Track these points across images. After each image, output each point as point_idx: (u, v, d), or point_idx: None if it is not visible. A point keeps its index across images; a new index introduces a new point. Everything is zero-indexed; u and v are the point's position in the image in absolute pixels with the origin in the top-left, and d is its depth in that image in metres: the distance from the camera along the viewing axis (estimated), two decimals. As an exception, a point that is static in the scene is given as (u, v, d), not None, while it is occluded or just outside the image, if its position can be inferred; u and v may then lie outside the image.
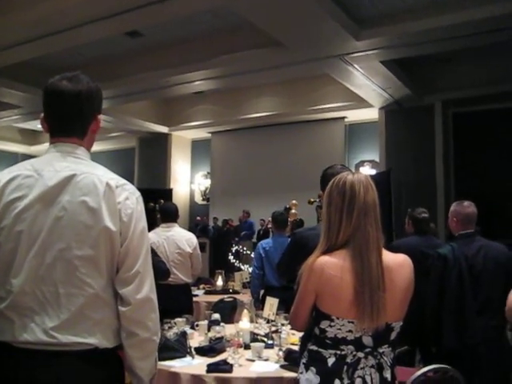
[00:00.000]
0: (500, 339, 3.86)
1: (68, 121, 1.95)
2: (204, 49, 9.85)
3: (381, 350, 2.07)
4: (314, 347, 2.14)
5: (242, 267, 11.36)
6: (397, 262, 2.12)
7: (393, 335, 2.09)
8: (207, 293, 7.09)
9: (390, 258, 2.11)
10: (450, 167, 11.40)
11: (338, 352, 2.07)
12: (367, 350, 2.06)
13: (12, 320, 1.77)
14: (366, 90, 11.06)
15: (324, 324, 2.08)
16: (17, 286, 1.78)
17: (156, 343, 1.94)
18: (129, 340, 1.86)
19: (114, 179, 1.92)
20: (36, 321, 1.76)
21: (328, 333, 2.08)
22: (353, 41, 8.39)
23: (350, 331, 2.05)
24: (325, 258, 2.07)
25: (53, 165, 1.88)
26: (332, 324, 2.07)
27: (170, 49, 10.31)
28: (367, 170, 13.24)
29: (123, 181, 1.96)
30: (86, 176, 1.87)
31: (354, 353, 2.06)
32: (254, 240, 13.52)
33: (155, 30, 9.48)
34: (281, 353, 3.29)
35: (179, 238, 5.18)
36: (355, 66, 9.58)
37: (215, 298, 6.05)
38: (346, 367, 2.05)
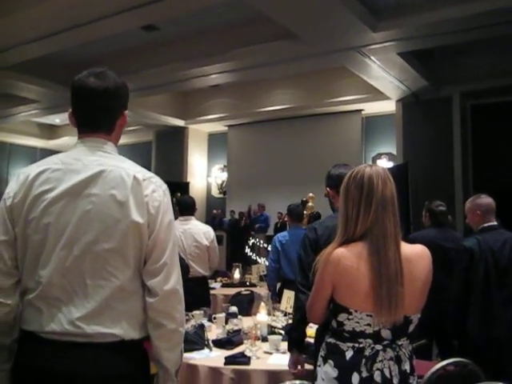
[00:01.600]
0: None
1: (96, 117, 1.98)
2: (220, 42, 9.84)
3: (399, 343, 2.07)
4: (331, 340, 2.15)
5: (259, 260, 11.36)
6: (415, 253, 2.11)
7: (411, 328, 2.09)
8: (224, 286, 7.12)
9: (408, 249, 2.11)
10: (468, 160, 11.29)
11: (356, 345, 2.07)
12: (385, 342, 2.06)
13: (40, 310, 1.81)
14: (382, 83, 10.99)
15: (342, 317, 2.08)
16: (45, 277, 1.81)
17: (182, 334, 1.98)
18: (156, 331, 1.90)
19: (141, 172, 1.95)
20: (63, 311, 1.80)
21: (346, 326, 2.08)
22: (370, 32, 8.34)
23: (369, 325, 2.04)
24: (341, 249, 2.07)
25: (81, 159, 1.91)
26: (350, 317, 2.06)
27: (185, 42, 10.31)
28: (384, 163, 13.18)
29: (150, 174, 1.99)
30: (114, 170, 1.90)
31: (373, 346, 2.05)
32: (270, 233, 13.53)
33: (171, 23, 9.49)
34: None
35: (196, 231, 5.20)
36: (372, 58, 9.52)
37: (232, 291, 6.07)
38: (364, 360, 2.04)
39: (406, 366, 2.07)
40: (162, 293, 1.87)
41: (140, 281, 1.90)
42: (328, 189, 3.09)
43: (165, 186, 2.01)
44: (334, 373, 2.09)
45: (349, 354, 2.08)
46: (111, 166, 1.91)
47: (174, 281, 1.91)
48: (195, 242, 5.15)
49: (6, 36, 8.60)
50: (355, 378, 2.04)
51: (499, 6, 7.35)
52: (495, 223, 3.93)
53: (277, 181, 14.49)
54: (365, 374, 2.03)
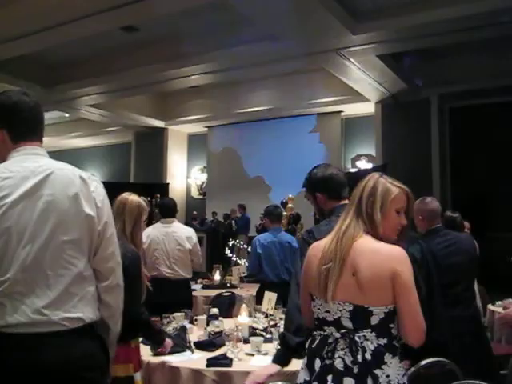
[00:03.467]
0: (477, 330, 3.96)
1: (34, 128, 2.21)
2: (200, 43, 9.83)
3: (361, 334, 2.09)
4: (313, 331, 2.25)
5: (239, 261, 11.38)
6: (371, 247, 2.14)
7: (374, 320, 2.08)
8: (205, 287, 7.10)
9: (367, 243, 2.15)
10: (446, 161, 11.43)
11: (323, 333, 2.16)
12: (344, 331, 2.11)
13: (3, 305, 1.93)
14: (362, 84, 11.07)
15: (312, 305, 2.22)
16: (9, 277, 1.94)
17: (121, 310, 2.26)
18: (107, 311, 2.17)
19: (83, 172, 2.19)
20: (26, 303, 1.94)
21: (314, 313, 2.21)
22: (349, 35, 8.40)
23: (328, 311, 2.14)
24: (315, 243, 2.28)
25: (28, 166, 2.08)
26: (314, 304, 2.20)
27: (165, 43, 10.28)
28: (363, 164, 13.28)
29: (89, 173, 2.23)
30: (62, 170, 2.11)
31: (334, 333, 2.13)
32: (253, 234, 13.54)
33: (151, 24, 9.47)
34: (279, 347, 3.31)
35: (179, 235, 5.18)
36: (351, 60, 9.59)
37: (213, 293, 6.06)
38: (327, 347, 2.12)
39: (369, 357, 2.07)
40: (111, 277, 2.16)
41: (90, 267, 2.12)
42: (318, 194, 2.87)
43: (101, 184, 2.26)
44: (305, 360, 2.20)
45: (316, 341, 2.17)
46: (58, 169, 2.11)
47: (120, 267, 2.22)
48: (178, 246, 5.13)
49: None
50: (317, 363, 2.13)
51: (476, 11, 7.46)
52: (439, 225, 4.01)
53: (257, 182, 14.52)
54: (328, 362, 2.09)
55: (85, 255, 2.09)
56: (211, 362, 3.03)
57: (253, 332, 3.76)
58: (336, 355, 2.08)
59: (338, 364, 2.07)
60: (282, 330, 3.58)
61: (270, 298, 4.09)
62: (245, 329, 3.70)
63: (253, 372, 2.61)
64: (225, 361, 3.08)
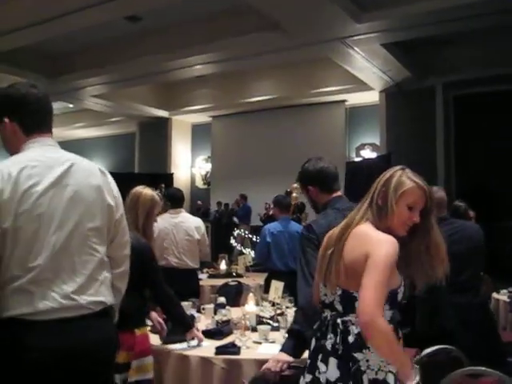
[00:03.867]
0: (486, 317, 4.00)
1: (46, 120, 2.28)
2: (204, 32, 9.81)
3: (347, 318, 2.14)
4: None
5: (244, 251, 11.41)
6: (360, 233, 2.16)
7: (357, 305, 2.08)
8: (211, 277, 7.14)
9: (361, 229, 2.17)
10: (450, 150, 11.41)
11: (323, 315, 2.24)
12: (333, 313, 2.18)
13: (31, 292, 1.98)
14: (366, 73, 11.05)
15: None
16: (40, 263, 2.00)
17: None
18: (117, 295, 2.30)
19: (98, 165, 2.33)
20: (54, 289, 2.02)
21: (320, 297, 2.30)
22: (353, 23, 8.38)
23: (326, 295, 2.22)
24: (330, 231, 2.32)
25: (51, 156, 2.18)
26: (319, 289, 2.28)
27: (169, 33, 10.27)
28: (367, 153, 13.28)
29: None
30: (82, 162, 2.24)
31: (328, 316, 2.20)
32: (255, 223, 13.57)
33: (154, 13, 9.43)
34: (286, 335, 3.34)
35: (188, 225, 5.23)
36: (356, 48, 9.57)
37: (219, 282, 6.10)
38: (321, 329, 2.21)
39: (352, 340, 2.12)
40: (124, 264, 2.34)
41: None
42: (310, 187, 2.96)
43: None
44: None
45: (317, 323, 2.27)
46: (77, 159, 2.23)
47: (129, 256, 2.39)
48: (187, 236, 5.18)
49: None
50: (313, 343, 2.24)
51: (482, -2, 7.43)
52: (445, 214, 4.07)
53: (261, 171, 14.52)
54: (322, 341, 2.18)
55: (104, 243, 2.21)
56: (220, 350, 3.06)
57: (260, 320, 3.80)
58: (328, 336, 2.16)
59: (328, 345, 2.15)
60: (289, 318, 3.66)
61: (277, 286, 4.12)
62: (252, 317, 3.73)
63: (270, 360, 2.64)
64: (233, 349, 3.12)
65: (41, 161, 2.11)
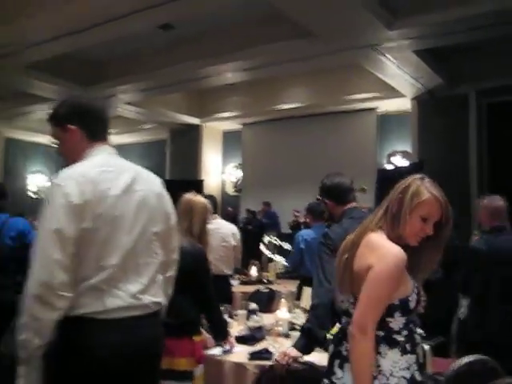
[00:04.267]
0: None
1: (105, 129, 2.45)
2: (235, 40, 9.86)
3: None
4: None
5: (274, 258, 11.39)
6: (369, 241, 2.16)
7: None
8: (242, 283, 7.17)
9: (372, 238, 2.17)
10: (483, 158, 11.24)
11: (342, 320, 2.27)
12: (349, 319, 2.16)
13: (102, 290, 2.12)
14: (398, 80, 10.97)
15: None
16: (114, 263, 2.15)
17: None
18: (165, 300, 2.43)
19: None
20: (122, 288, 2.16)
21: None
22: (385, 30, 8.34)
23: (342, 301, 2.25)
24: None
25: (117, 163, 2.37)
26: (338, 295, 2.30)
27: (201, 41, 10.35)
28: (399, 161, 13.17)
29: None
30: (142, 170, 2.43)
31: (344, 322, 2.23)
32: (285, 231, 13.53)
33: (187, 22, 9.54)
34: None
35: (224, 231, 5.28)
36: (387, 55, 9.51)
37: (250, 289, 6.13)
38: (340, 334, 2.24)
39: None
40: (173, 269, 2.51)
41: None
42: (327, 201, 3.26)
43: None
44: None
45: (337, 329, 2.33)
46: (137, 168, 2.42)
47: None
48: (223, 242, 5.23)
49: (22, 35, 8.68)
50: (331, 349, 2.27)
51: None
52: (501, 224, 4.01)
53: (291, 179, 14.47)
54: (338, 348, 2.22)
55: (162, 247, 2.38)
56: (254, 356, 3.09)
57: (292, 327, 3.81)
58: (343, 342, 2.18)
59: (344, 351, 2.17)
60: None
61: (309, 293, 4.11)
62: (285, 324, 3.75)
63: (281, 352, 2.83)
64: (267, 355, 3.14)
65: (113, 166, 2.29)
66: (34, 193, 17.44)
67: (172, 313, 2.51)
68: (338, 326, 2.32)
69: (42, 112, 14.89)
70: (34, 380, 2.01)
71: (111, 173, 2.24)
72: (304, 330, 2.91)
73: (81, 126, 2.35)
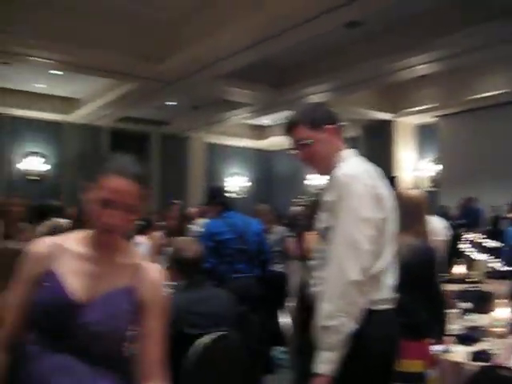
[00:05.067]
0: None
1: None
2: (426, 30, 9.47)
3: None
4: None
5: (478, 256, 10.78)
6: None
7: None
8: (449, 282, 6.87)
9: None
10: None
11: None
12: None
13: (378, 281, 2.19)
14: None
15: None
16: (388, 253, 2.24)
17: None
18: None
19: None
20: (385, 280, 2.22)
21: None
22: None
23: None
24: None
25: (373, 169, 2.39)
26: None
27: (389, 35, 10.11)
28: None
29: None
30: None
31: None
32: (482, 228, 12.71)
33: (374, 17, 9.36)
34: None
35: (435, 226, 5.14)
36: None
37: (456, 287, 5.86)
38: None
39: None
40: None
41: None
42: None
43: None
44: None
45: None
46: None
47: None
48: (434, 237, 5.10)
49: (219, 47, 9.27)
50: None
51: None
52: None
53: (495, 172, 13.50)
54: None
55: None
56: (474, 356, 2.94)
57: (513, 328, 3.55)
58: None
59: None
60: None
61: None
62: (504, 324, 3.50)
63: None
64: (485, 355, 2.98)
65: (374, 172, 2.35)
66: (235, 193, 18.36)
67: (403, 313, 2.43)
68: None
69: (237, 117, 15.79)
70: (335, 366, 2.06)
71: (375, 173, 2.34)
72: None
73: (335, 127, 2.42)
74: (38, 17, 8.99)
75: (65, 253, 1.88)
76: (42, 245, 1.91)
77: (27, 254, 1.89)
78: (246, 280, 5.24)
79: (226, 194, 5.84)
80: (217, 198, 5.43)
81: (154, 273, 1.94)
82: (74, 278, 1.82)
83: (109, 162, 1.89)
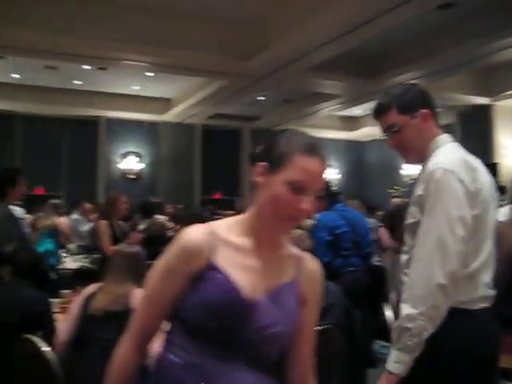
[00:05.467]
0: None
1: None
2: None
3: None
4: None
5: None
6: None
7: None
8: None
9: None
10: None
11: None
12: None
13: (473, 279, 2.09)
14: None
15: None
16: (485, 250, 2.13)
17: None
18: None
19: None
20: (481, 277, 2.11)
21: None
22: None
23: None
24: None
25: (471, 157, 2.26)
26: None
27: (483, 15, 9.61)
28: None
29: None
30: None
31: None
32: None
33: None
34: None
35: None
36: None
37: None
38: None
39: None
40: None
41: None
42: None
43: None
44: None
45: None
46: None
47: None
48: None
49: (308, 40, 9.24)
50: None
51: None
52: None
53: None
54: None
55: None
56: None
57: None
58: None
59: None
60: None
61: None
62: None
63: None
64: None
65: (473, 163, 2.23)
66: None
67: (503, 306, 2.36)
68: None
69: (328, 109, 15.67)
70: (408, 367, 2.02)
71: (475, 171, 2.20)
72: None
73: (431, 111, 2.31)
74: (132, 20, 9.35)
75: (222, 243, 1.62)
76: (199, 234, 1.61)
77: (180, 245, 1.60)
78: (357, 274, 5.18)
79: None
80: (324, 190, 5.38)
81: (313, 264, 1.76)
82: (238, 273, 1.58)
83: (295, 139, 1.63)
